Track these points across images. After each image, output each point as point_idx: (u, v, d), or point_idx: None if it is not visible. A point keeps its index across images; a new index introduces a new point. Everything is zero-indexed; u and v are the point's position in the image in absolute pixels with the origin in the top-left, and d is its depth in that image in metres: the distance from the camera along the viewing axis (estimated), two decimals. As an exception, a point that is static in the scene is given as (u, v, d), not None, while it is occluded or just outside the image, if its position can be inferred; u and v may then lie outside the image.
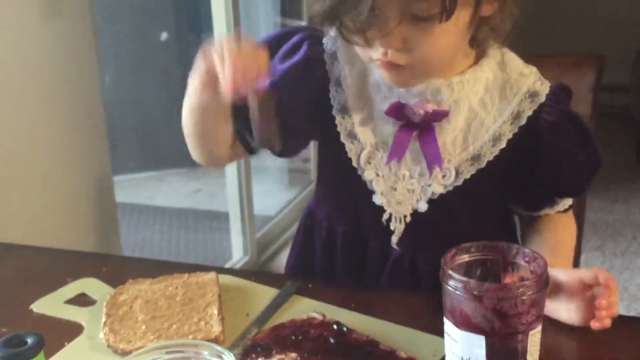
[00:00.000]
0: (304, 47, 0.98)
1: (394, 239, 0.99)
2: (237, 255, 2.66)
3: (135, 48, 3.59)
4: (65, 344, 0.87)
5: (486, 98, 0.95)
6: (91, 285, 1.01)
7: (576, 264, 1.20)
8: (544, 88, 0.95)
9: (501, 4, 0.90)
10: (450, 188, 0.96)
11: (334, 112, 0.99)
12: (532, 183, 0.98)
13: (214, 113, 0.95)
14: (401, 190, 0.97)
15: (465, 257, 0.76)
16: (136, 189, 3.54)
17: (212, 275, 0.99)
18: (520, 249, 0.76)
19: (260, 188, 2.75)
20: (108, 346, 0.86)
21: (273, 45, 0.99)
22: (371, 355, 0.80)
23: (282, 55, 0.99)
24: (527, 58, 0.98)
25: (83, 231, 1.69)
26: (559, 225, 1.03)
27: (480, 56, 0.96)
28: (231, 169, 2.58)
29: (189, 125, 1.00)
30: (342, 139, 0.98)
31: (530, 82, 0.95)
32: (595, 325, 0.82)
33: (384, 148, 0.97)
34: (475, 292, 0.70)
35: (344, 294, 0.96)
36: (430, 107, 0.93)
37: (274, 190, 3.22)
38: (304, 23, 3.14)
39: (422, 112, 0.92)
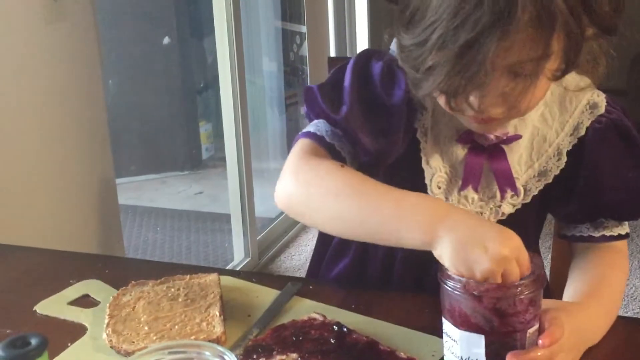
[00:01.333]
0: (401, 78, 0.89)
1: None
2: (239, 257, 2.67)
3: (137, 52, 3.60)
4: (69, 344, 0.88)
5: (546, 113, 0.94)
6: (94, 287, 1.02)
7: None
8: (601, 99, 0.94)
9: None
10: (519, 206, 0.95)
11: (418, 135, 0.93)
12: (573, 193, 0.95)
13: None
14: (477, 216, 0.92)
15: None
16: (138, 192, 3.55)
17: (213, 276, 1.00)
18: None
19: (261, 190, 2.75)
20: (111, 347, 0.87)
21: (360, 75, 0.92)
22: (371, 355, 0.81)
23: (381, 88, 0.91)
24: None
25: (86, 233, 1.70)
26: (608, 262, 0.95)
27: None
28: (232, 171, 2.59)
29: (330, 215, 0.85)
30: (423, 164, 0.93)
31: (589, 94, 0.94)
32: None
33: (451, 172, 0.94)
34: (474, 292, 0.70)
35: (344, 295, 0.96)
36: (504, 132, 0.91)
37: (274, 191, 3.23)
38: (304, 29, 3.14)
39: (493, 137, 0.90)
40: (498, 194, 0.94)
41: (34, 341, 0.66)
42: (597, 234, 0.97)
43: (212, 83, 3.60)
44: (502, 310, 0.71)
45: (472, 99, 0.79)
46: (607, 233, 0.97)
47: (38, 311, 0.96)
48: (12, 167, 1.49)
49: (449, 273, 0.72)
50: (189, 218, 3.28)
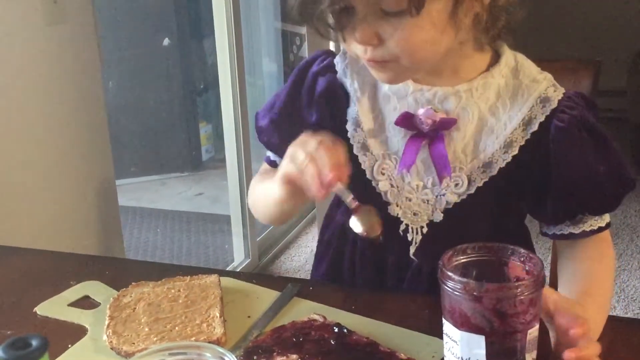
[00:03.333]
0: (320, 83, 1.01)
1: (412, 250, 0.99)
2: (239, 258, 2.67)
3: (137, 54, 3.60)
4: (69, 346, 0.88)
5: (497, 105, 0.94)
6: (94, 288, 1.02)
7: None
8: (557, 94, 0.94)
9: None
10: (464, 197, 0.95)
11: (347, 126, 1.00)
12: (545, 194, 0.95)
13: (293, 205, 0.94)
14: (416, 201, 0.97)
15: (462, 259, 0.76)
16: (139, 193, 3.55)
17: (214, 277, 1.00)
18: (515, 249, 0.77)
19: (261, 192, 2.75)
20: (111, 348, 0.87)
21: (293, 91, 1.04)
22: (371, 356, 0.81)
23: (306, 102, 1.02)
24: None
25: (86, 234, 1.70)
26: (594, 255, 0.96)
27: (493, 63, 0.95)
28: (232, 173, 2.59)
29: (262, 212, 1.05)
30: (355, 151, 0.98)
31: (542, 87, 0.94)
32: (569, 356, 0.75)
33: (395, 159, 0.97)
34: (475, 293, 0.70)
35: (344, 296, 0.96)
36: (438, 116, 0.93)
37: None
38: (304, 30, 3.15)
39: (430, 121, 0.93)
40: (444, 182, 0.95)
41: (34, 342, 0.66)
42: (577, 231, 0.96)
43: (212, 84, 3.60)
44: (502, 310, 0.71)
45: (354, 39, 0.86)
46: (587, 228, 0.96)
47: (38, 312, 0.96)
48: (12, 169, 1.49)
49: (450, 274, 0.72)
50: (189, 219, 3.28)
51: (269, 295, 0.97)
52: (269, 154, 1.10)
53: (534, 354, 0.74)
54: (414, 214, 0.98)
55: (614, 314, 2.32)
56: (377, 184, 0.98)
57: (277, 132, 1.04)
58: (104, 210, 1.75)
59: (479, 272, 0.77)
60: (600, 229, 0.97)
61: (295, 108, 1.03)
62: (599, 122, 0.95)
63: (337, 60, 1.02)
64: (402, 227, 0.99)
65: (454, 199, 0.95)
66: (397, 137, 0.97)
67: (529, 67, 0.96)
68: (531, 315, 0.72)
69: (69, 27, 1.61)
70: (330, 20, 0.86)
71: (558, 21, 4.16)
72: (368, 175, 0.98)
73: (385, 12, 0.83)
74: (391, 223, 0.98)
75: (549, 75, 0.95)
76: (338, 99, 1.00)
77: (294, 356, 0.81)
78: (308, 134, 0.87)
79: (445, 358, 0.76)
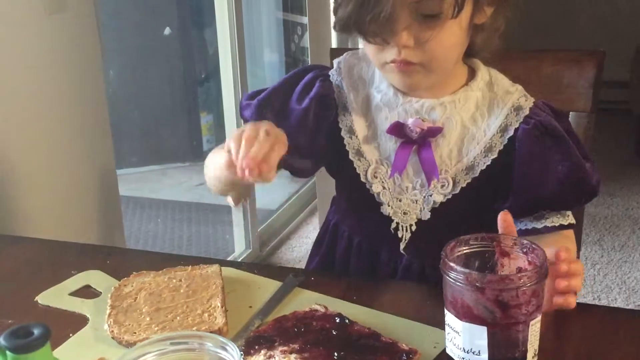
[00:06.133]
0: (317, 85, 1.07)
1: (402, 246, 1.06)
2: (240, 248, 2.67)
3: (138, 43, 3.59)
4: (70, 335, 0.88)
5: (477, 115, 1.03)
6: (96, 278, 1.02)
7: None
8: (528, 103, 1.02)
9: (496, 9, 0.99)
10: (450, 197, 1.03)
11: (342, 133, 1.07)
12: (511, 192, 1.02)
13: (235, 182, 0.99)
14: (406, 201, 1.05)
15: (464, 249, 0.76)
16: (139, 183, 3.54)
17: (215, 267, 1.00)
18: (517, 240, 0.77)
19: (262, 182, 2.74)
20: (112, 337, 0.87)
21: (287, 85, 1.10)
22: (373, 346, 0.81)
23: (297, 97, 1.08)
24: (528, 53, 0.98)
25: (87, 224, 1.70)
26: (550, 244, 0.97)
27: (470, 78, 1.05)
28: (234, 163, 2.58)
29: (212, 184, 1.10)
30: (351, 157, 1.07)
31: (515, 98, 1.03)
32: (557, 300, 0.83)
33: (387, 163, 1.05)
34: (477, 284, 0.70)
35: (345, 286, 0.96)
36: (426, 125, 1.01)
37: (276, 184, 3.21)
38: (305, 20, 3.14)
39: (418, 129, 1.01)
40: (431, 184, 1.03)
41: (36, 331, 0.66)
42: (539, 226, 1.02)
43: (213, 74, 3.59)
44: (504, 301, 0.71)
45: (388, 39, 0.95)
46: (549, 224, 1.02)
47: (39, 302, 0.96)
48: (12, 158, 1.49)
49: (452, 265, 0.72)
50: (190, 209, 3.28)
51: (270, 286, 0.97)
52: None
53: (536, 345, 0.74)
54: (404, 213, 1.05)
55: (616, 305, 2.33)
56: (371, 186, 1.06)
57: (259, 113, 1.08)
58: (104, 200, 1.75)
59: (482, 263, 0.77)
60: (562, 227, 1.02)
61: (285, 96, 1.09)
62: (568, 129, 1.03)
63: (332, 73, 1.10)
64: (393, 225, 1.06)
65: (440, 198, 1.03)
66: (389, 144, 1.05)
67: (502, 80, 1.05)
68: (533, 306, 0.72)
69: (69, 16, 1.60)
70: (376, 26, 0.93)
71: (562, 12, 4.15)
72: (362, 179, 1.06)
73: (424, 15, 0.92)
74: (383, 221, 1.06)
75: (519, 87, 1.04)
76: (330, 105, 1.07)
77: (296, 346, 0.81)
78: (260, 123, 0.92)
79: (447, 349, 0.77)
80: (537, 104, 1.03)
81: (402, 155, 1.03)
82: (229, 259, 2.56)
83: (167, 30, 3.65)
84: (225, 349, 0.68)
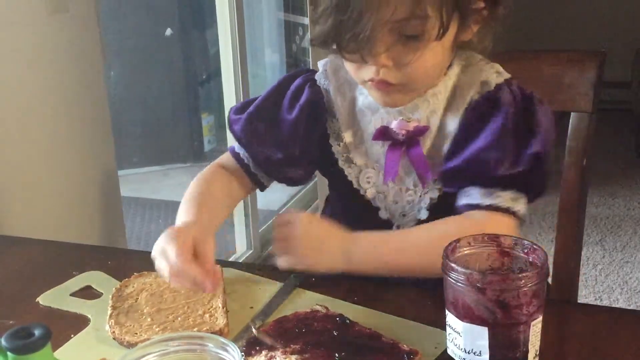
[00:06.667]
0: (306, 92, 1.05)
1: None
2: (241, 249, 2.67)
3: (139, 44, 3.59)
4: (71, 336, 0.88)
5: (453, 98, 0.99)
6: (97, 278, 1.02)
7: (577, 259, 1.20)
8: (498, 79, 0.97)
9: (483, 26, 0.95)
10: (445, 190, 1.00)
11: (330, 140, 1.05)
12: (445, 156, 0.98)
13: None
14: (402, 203, 1.02)
15: (465, 249, 0.76)
16: (141, 184, 3.55)
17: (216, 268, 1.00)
18: (518, 240, 0.77)
19: (263, 183, 2.74)
20: (114, 338, 0.87)
21: (276, 93, 1.07)
22: (374, 347, 0.81)
23: (287, 106, 1.06)
24: (528, 53, 0.98)
25: (88, 225, 1.70)
26: (477, 221, 0.94)
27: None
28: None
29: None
30: (340, 164, 1.04)
31: (484, 75, 0.98)
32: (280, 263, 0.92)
33: (378, 167, 1.02)
34: (478, 284, 0.70)
35: (346, 287, 0.96)
36: (411, 125, 0.98)
37: (277, 184, 3.23)
38: (306, 20, 3.14)
39: (403, 131, 0.98)
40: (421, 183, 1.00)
41: (37, 332, 0.66)
42: (486, 202, 0.94)
43: (215, 75, 3.60)
44: (505, 302, 0.70)
45: (367, 58, 0.90)
46: (495, 202, 0.94)
47: (40, 302, 0.96)
48: (13, 159, 1.49)
49: (453, 265, 0.72)
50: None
51: (271, 286, 0.97)
52: (235, 144, 1.11)
53: (537, 346, 0.74)
54: (403, 215, 1.03)
55: (618, 306, 2.33)
56: (365, 192, 1.04)
57: (249, 126, 1.07)
58: (106, 200, 1.75)
59: (482, 263, 0.77)
60: (509, 211, 0.94)
61: (275, 106, 1.07)
62: (534, 116, 0.95)
63: (319, 77, 1.07)
64: (394, 228, 1.04)
65: (436, 194, 1.00)
66: (376, 147, 1.02)
67: (477, 61, 1.00)
68: (535, 306, 0.72)
69: (70, 17, 1.60)
70: (355, 44, 0.89)
71: (563, 12, 4.15)
72: (355, 185, 1.04)
73: (406, 36, 0.88)
74: (383, 226, 1.03)
75: (496, 65, 0.99)
76: (320, 111, 1.05)
77: (297, 347, 0.81)
78: (177, 230, 0.91)
79: (448, 349, 0.76)
80: (510, 82, 0.97)
81: (392, 158, 1.00)
82: (230, 259, 2.55)
83: (168, 31, 3.65)
84: (226, 350, 0.68)
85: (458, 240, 0.76)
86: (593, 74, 1.14)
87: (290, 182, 1.10)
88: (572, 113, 1.15)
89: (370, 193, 1.04)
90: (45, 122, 1.57)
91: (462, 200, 0.97)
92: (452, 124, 0.98)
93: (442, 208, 0.99)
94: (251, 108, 1.08)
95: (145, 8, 3.60)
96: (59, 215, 1.60)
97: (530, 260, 0.75)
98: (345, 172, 1.04)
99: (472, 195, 0.96)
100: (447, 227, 0.94)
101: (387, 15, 0.86)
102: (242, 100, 2.50)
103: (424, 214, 1.02)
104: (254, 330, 0.84)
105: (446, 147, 0.98)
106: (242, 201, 2.61)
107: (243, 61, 2.47)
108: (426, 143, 0.99)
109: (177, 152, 3.74)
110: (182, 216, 0.99)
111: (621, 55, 3.69)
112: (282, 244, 0.93)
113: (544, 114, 0.96)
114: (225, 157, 1.12)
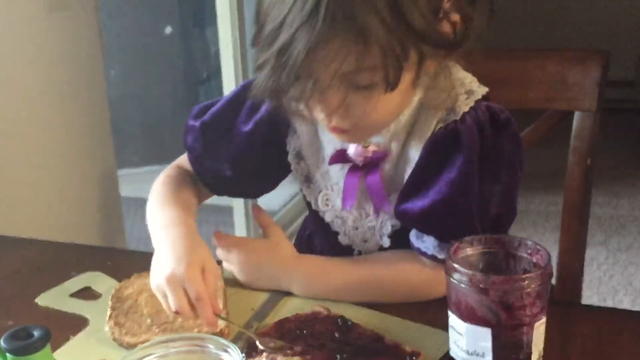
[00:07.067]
0: (265, 103, 0.95)
1: None
2: (242, 250, 2.66)
3: (139, 42, 3.59)
4: (71, 337, 0.88)
5: (416, 120, 0.90)
6: (96, 279, 1.01)
7: (581, 260, 1.20)
8: (467, 103, 0.88)
9: (446, 55, 0.83)
10: None
11: (289, 158, 0.99)
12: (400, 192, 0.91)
13: None
14: (362, 229, 0.97)
15: (468, 250, 0.76)
16: (141, 183, 3.53)
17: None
18: (522, 241, 0.76)
19: (264, 182, 2.74)
20: (113, 339, 0.86)
21: (235, 100, 0.99)
22: (376, 349, 0.80)
23: (244, 117, 0.98)
24: (533, 52, 0.97)
25: (88, 225, 1.70)
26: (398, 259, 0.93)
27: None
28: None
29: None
30: (300, 183, 0.99)
31: (452, 97, 0.88)
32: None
33: (337, 190, 0.96)
34: (481, 285, 0.70)
35: (348, 287, 0.96)
36: (369, 151, 0.91)
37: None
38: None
39: (361, 157, 0.91)
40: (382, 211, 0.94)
41: (36, 333, 0.65)
42: (440, 256, 0.88)
43: (215, 74, 3.59)
44: (508, 303, 0.70)
45: (318, 107, 0.81)
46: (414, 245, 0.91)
47: (39, 303, 0.96)
48: (13, 159, 1.48)
49: (456, 266, 0.71)
50: (191, 210, 3.27)
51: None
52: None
53: (540, 347, 0.73)
54: (364, 241, 0.98)
55: (622, 307, 2.32)
56: (324, 215, 0.98)
57: (201, 137, 1.01)
58: (105, 200, 1.75)
59: (485, 264, 0.76)
60: (420, 252, 0.90)
61: (232, 115, 0.99)
62: (497, 146, 0.87)
63: None
64: (355, 253, 0.99)
65: (397, 222, 0.93)
66: (336, 169, 0.96)
67: (448, 74, 0.88)
68: (538, 308, 0.71)
69: (70, 15, 1.60)
70: (301, 96, 0.81)
71: (567, 11, 4.14)
72: (314, 207, 0.99)
73: (357, 86, 0.78)
74: (344, 251, 0.99)
75: (468, 78, 0.90)
76: (279, 126, 0.97)
77: (298, 348, 0.80)
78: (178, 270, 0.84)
79: (450, 351, 0.76)
80: (477, 107, 0.87)
81: (350, 183, 0.93)
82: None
83: (168, 30, 3.64)
84: (227, 351, 0.68)
85: (461, 241, 0.75)
86: (597, 73, 1.13)
87: (251, 194, 1.04)
88: (576, 112, 1.15)
89: (328, 217, 0.98)
90: (44, 121, 1.57)
91: (416, 243, 0.91)
92: (414, 151, 0.90)
93: (405, 235, 0.93)
94: (206, 116, 1.01)
95: (145, 6, 3.60)
96: (58, 215, 1.60)
97: (534, 261, 0.74)
98: (304, 192, 0.99)
99: (426, 242, 0.90)
100: (386, 273, 0.92)
101: (335, 68, 0.76)
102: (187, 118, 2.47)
103: (386, 242, 0.95)
104: (251, 334, 0.83)
105: (408, 172, 0.91)
106: (242, 201, 2.62)
107: (244, 60, 2.46)
108: (386, 166, 0.92)
109: (177, 152, 3.73)
110: (169, 221, 0.96)
111: (626, 54, 3.68)
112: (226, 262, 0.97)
113: (510, 142, 0.88)
114: (182, 163, 1.09)
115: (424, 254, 0.90)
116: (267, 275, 0.95)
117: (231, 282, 0.97)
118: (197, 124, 1.01)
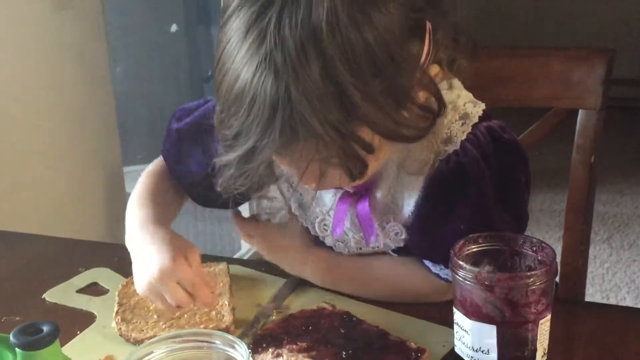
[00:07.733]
0: None
1: None
2: (245, 246, 2.67)
3: (145, 40, 3.59)
4: (78, 332, 0.88)
5: (408, 147, 0.81)
6: (103, 275, 1.02)
7: (584, 257, 1.20)
8: (463, 129, 0.83)
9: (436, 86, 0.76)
10: (406, 242, 0.90)
11: (279, 184, 0.92)
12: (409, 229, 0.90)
13: None
14: (366, 250, 0.93)
15: (473, 248, 0.76)
16: (146, 180, 3.54)
17: (223, 265, 1.00)
18: (527, 238, 0.76)
19: (268, 179, 2.74)
20: (120, 335, 0.87)
21: (212, 112, 0.88)
22: (381, 345, 0.81)
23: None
24: (537, 50, 0.97)
25: (94, 221, 1.70)
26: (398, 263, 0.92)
27: None
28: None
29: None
30: (294, 210, 0.95)
31: (446, 126, 0.83)
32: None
33: (332, 216, 0.92)
34: (486, 282, 0.70)
35: (353, 284, 0.96)
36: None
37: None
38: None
39: (350, 187, 0.86)
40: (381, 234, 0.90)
41: (45, 328, 0.66)
42: (446, 276, 0.88)
43: (220, 71, 3.59)
44: (513, 300, 0.70)
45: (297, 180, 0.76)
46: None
47: (47, 299, 0.96)
48: (19, 156, 1.49)
49: (461, 263, 0.72)
50: (196, 207, 3.25)
51: (277, 283, 0.97)
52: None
53: (545, 344, 0.74)
54: None
55: (625, 304, 2.32)
56: (324, 240, 0.95)
57: (177, 144, 0.98)
58: (111, 197, 1.75)
59: (491, 261, 0.77)
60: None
61: (207, 128, 0.85)
62: (505, 172, 0.84)
63: None
64: None
65: (399, 244, 0.91)
66: (328, 196, 0.91)
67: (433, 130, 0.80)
68: (543, 305, 0.71)
69: (76, 13, 1.60)
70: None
71: (572, 9, 4.13)
72: (312, 232, 0.95)
73: (332, 164, 0.71)
74: None
75: (462, 97, 0.85)
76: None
77: (303, 344, 0.81)
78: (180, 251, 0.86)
79: (455, 347, 0.76)
80: (477, 132, 0.83)
81: (340, 211, 0.88)
82: (235, 256, 2.55)
83: (173, 27, 3.64)
84: (233, 347, 0.68)
85: (466, 239, 0.76)
86: (602, 71, 1.13)
87: (224, 206, 0.96)
88: (580, 110, 1.14)
89: (328, 241, 0.94)
90: (51, 119, 1.57)
91: (428, 264, 0.90)
92: (413, 178, 0.85)
93: (410, 251, 0.91)
94: (182, 123, 0.97)
95: (151, 4, 3.60)
96: (65, 212, 1.60)
97: (539, 258, 0.75)
98: (300, 218, 0.95)
99: (438, 267, 0.89)
100: (397, 276, 0.93)
101: (304, 164, 0.71)
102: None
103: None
104: (273, 315, 0.88)
105: (406, 199, 0.87)
106: (247, 198, 2.61)
107: (248, 58, 2.46)
108: (379, 192, 0.87)
109: (182, 149, 3.73)
110: (142, 222, 0.96)
111: (631, 52, 3.67)
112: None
113: (518, 164, 0.86)
114: (160, 166, 1.04)
115: (437, 275, 0.90)
116: (286, 263, 0.97)
117: (236, 278, 0.98)
118: (174, 127, 0.98)
